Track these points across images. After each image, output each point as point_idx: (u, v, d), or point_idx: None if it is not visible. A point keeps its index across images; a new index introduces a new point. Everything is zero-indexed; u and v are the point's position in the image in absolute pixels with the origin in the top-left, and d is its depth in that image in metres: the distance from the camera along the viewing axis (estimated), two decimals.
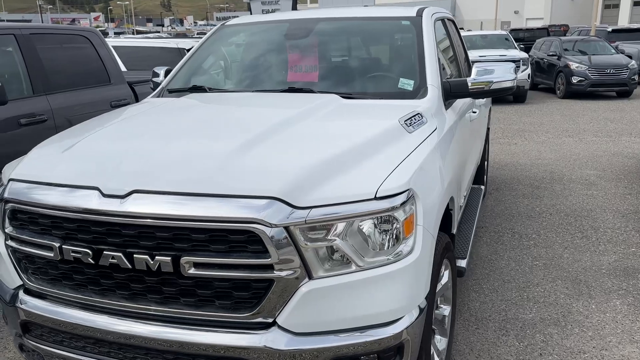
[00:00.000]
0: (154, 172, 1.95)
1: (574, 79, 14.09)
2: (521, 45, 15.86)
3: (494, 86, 3.05)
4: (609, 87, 14.22)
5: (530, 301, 3.55)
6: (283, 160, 2.01)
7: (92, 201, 1.92)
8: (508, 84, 3.09)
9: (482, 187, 5.07)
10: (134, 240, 1.88)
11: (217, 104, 2.96)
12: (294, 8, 24.78)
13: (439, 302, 2.71)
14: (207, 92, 3.19)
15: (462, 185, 3.29)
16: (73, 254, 1.96)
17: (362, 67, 3.35)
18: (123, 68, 8.18)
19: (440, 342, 2.70)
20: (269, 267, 1.81)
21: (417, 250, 2.01)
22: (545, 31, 22.55)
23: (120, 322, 1.99)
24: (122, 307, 1.99)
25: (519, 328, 3.23)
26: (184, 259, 1.83)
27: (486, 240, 4.66)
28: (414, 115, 2.58)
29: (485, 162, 6.03)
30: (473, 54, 14.05)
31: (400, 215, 1.95)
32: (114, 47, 9.60)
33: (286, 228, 1.79)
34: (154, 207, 1.84)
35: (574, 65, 14.21)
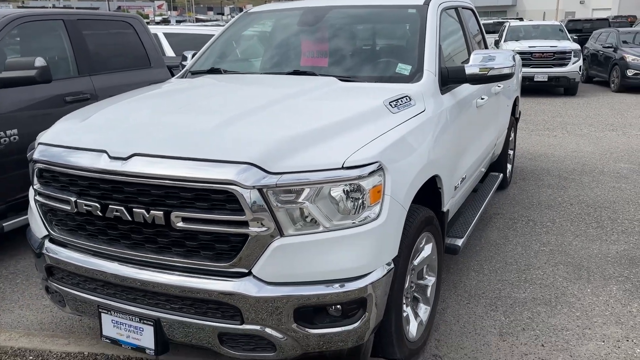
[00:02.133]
0: (152, 139, 2.26)
1: (629, 72, 13.59)
2: (574, 37, 15.41)
3: (492, 72, 3.19)
4: None
5: (527, 282, 3.67)
6: (263, 132, 2.28)
7: (100, 162, 2.25)
8: (506, 71, 3.23)
9: (500, 175, 5.16)
10: (133, 197, 2.21)
11: (225, 84, 3.26)
12: None
13: (424, 272, 2.91)
14: (222, 74, 3.50)
15: (460, 167, 3.45)
16: (85, 207, 2.30)
17: (365, 52, 3.56)
18: (171, 53, 8.70)
19: (423, 309, 2.91)
20: (245, 224, 2.09)
21: (382, 217, 2.24)
22: (606, 22, 21.67)
23: (123, 268, 2.32)
24: (126, 255, 2.32)
25: (508, 305, 3.38)
26: (174, 214, 2.13)
27: (499, 225, 4.77)
28: (401, 97, 2.78)
29: (511, 151, 6.08)
30: (522, 45, 13.84)
31: (366, 184, 2.17)
32: (168, 34, 10.20)
33: (259, 190, 2.05)
34: (149, 168, 2.15)
35: (629, 58, 13.70)
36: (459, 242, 3.46)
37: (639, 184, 5.95)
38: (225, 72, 3.53)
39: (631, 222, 4.79)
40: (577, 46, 13.78)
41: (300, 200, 2.10)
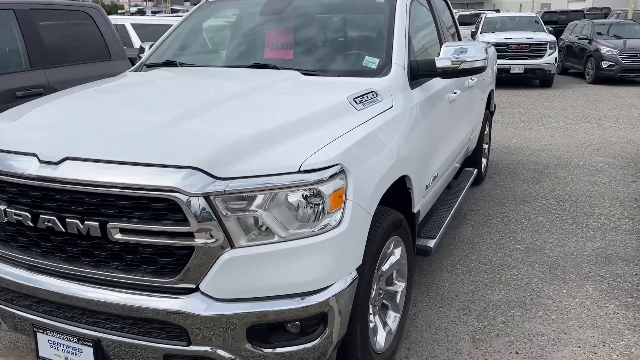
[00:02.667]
0: (86, 141, 2.04)
1: (604, 64, 13.64)
2: (550, 29, 15.41)
3: (463, 66, 3.03)
4: None
5: (501, 283, 3.54)
6: (213, 132, 2.07)
7: (30, 167, 2.02)
8: (478, 64, 3.06)
9: (475, 170, 5.02)
10: (66, 205, 1.98)
11: (179, 78, 3.04)
12: None
13: (393, 278, 2.75)
14: (177, 66, 3.27)
15: (432, 165, 3.29)
16: (16, 217, 2.07)
17: (332, 44, 3.36)
18: (139, 44, 8.38)
19: (392, 317, 2.75)
20: (190, 235, 1.88)
21: (344, 224, 2.05)
22: (582, 14, 21.80)
23: (59, 284, 2.10)
24: (62, 269, 2.09)
25: (482, 309, 3.24)
26: (110, 225, 1.92)
27: (473, 222, 4.64)
28: (367, 93, 2.59)
29: (486, 146, 5.96)
30: (499, 36, 13.78)
31: (326, 189, 1.98)
32: (137, 25, 9.86)
33: (206, 198, 1.85)
34: (82, 174, 1.93)
35: (604, 50, 13.74)
36: (431, 243, 3.30)
37: (615, 178, 5.89)
38: (182, 64, 3.29)
39: (607, 218, 4.70)
40: (552, 38, 13.77)
41: (252, 208, 1.90)
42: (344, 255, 2.09)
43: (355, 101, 2.48)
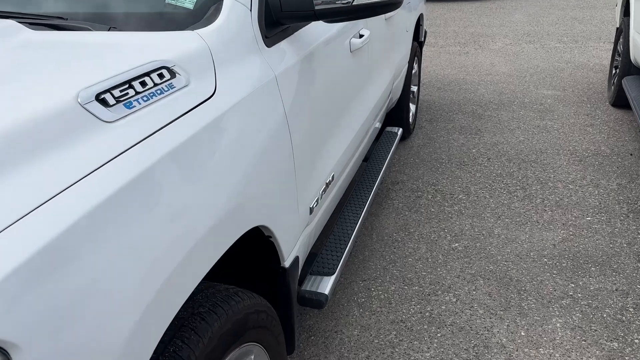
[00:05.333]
0: None
1: None
2: None
3: (358, 1, 1.69)
4: None
5: (433, 323, 2.42)
6: None
7: None
8: None
9: (399, 130, 3.79)
10: None
11: None
12: None
13: None
14: None
15: (321, 169, 2.01)
16: None
17: None
18: None
19: None
20: None
21: None
22: None
23: None
24: None
25: None
26: None
27: (397, 205, 3.46)
28: (144, 76, 1.21)
29: (415, 88, 4.71)
30: None
31: None
32: None
33: None
34: None
35: None
36: (327, 286, 2.09)
37: (568, 121, 4.82)
38: None
39: (565, 186, 3.64)
40: None
41: None
42: None
43: (103, 102, 1.10)
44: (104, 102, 1.10)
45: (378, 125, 3.38)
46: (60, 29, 1.46)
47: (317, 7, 1.68)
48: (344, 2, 1.69)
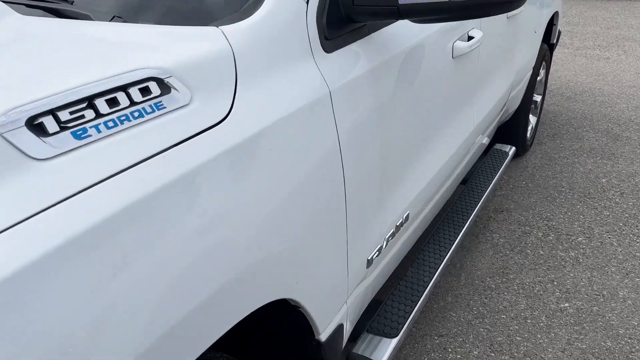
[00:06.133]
0: None
1: None
2: None
3: None
4: None
5: None
6: None
7: None
8: None
9: (511, 149, 3.19)
10: None
11: None
12: None
13: None
14: None
15: (388, 206, 1.56)
16: None
17: None
18: None
19: None
20: None
21: None
22: None
23: None
24: None
25: None
26: None
27: (496, 240, 2.90)
28: (116, 90, 0.83)
29: (539, 97, 4.04)
30: None
31: None
32: None
33: None
34: None
35: None
36: (384, 353, 1.66)
37: None
38: None
39: None
40: None
41: None
42: None
43: (38, 127, 0.75)
44: (39, 129, 0.75)
45: (486, 141, 2.84)
46: (59, 14, 1.15)
47: (401, 2, 1.22)
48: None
